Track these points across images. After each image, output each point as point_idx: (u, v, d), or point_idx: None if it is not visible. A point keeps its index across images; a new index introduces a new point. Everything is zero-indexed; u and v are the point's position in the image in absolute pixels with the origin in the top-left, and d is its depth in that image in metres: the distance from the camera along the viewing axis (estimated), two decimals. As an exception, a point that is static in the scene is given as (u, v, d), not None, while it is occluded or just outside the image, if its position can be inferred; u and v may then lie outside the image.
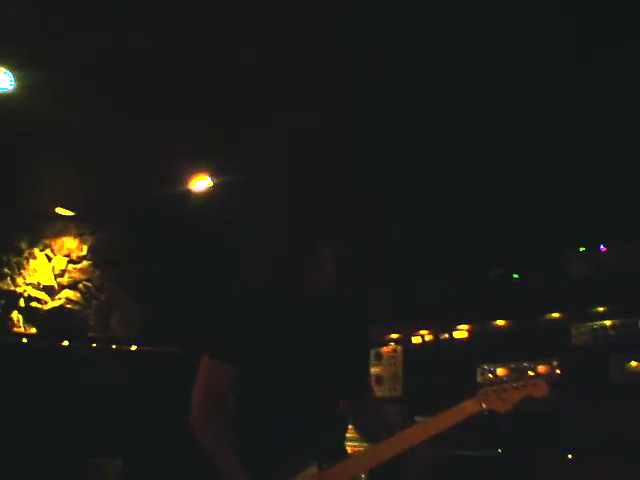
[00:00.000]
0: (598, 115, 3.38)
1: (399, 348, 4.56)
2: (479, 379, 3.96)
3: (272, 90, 3.46)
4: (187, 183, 4.58)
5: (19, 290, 5.25)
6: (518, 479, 3.28)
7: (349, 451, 2.06)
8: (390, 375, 4.52)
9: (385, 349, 4.61)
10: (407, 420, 4.17)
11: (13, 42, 3.13)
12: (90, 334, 5.42)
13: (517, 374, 3.80)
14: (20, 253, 5.32)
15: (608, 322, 3.58)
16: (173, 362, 5.32)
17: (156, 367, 5.31)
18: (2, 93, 3.41)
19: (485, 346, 4.08)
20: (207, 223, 5.06)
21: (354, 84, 3.33)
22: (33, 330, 5.20)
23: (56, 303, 5.37)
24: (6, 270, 5.23)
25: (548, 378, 3.66)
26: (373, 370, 4.37)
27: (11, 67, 3.29)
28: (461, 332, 4.24)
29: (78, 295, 5.49)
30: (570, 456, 3.20)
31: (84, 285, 5.53)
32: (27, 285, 5.29)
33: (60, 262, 5.47)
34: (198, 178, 4.53)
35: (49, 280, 5.40)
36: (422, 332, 4.46)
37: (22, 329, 5.18)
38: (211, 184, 4.54)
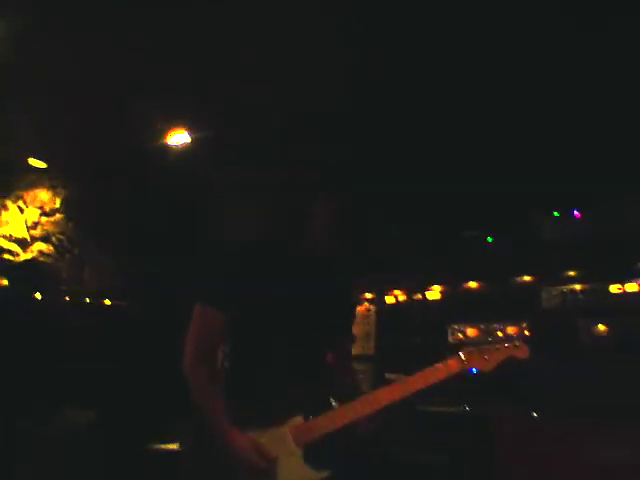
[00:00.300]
0: (568, 77, 3.40)
1: (372, 307, 4.60)
2: (450, 339, 4.03)
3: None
4: (164, 137, 4.52)
5: (-9, 241, 5.18)
6: (482, 435, 3.36)
7: (334, 404, 2.09)
8: (363, 334, 4.57)
9: (359, 308, 4.66)
10: (378, 377, 4.25)
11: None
12: (63, 287, 5.38)
13: (487, 335, 3.87)
14: (-9, 204, 5.23)
15: (578, 286, 3.64)
16: (146, 316, 5.33)
17: (129, 321, 5.30)
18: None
19: (457, 307, 4.14)
20: (185, 175, 5.01)
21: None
22: (5, 282, 5.14)
23: (28, 255, 5.31)
24: (-23, 221, 5.15)
25: (517, 339, 3.74)
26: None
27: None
28: (434, 293, 4.29)
29: (51, 248, 5.42)
30: (535, 414, 3.28)
31: (57, 238, 5.47)
32: (-1, 236, 5.22)
33: (33, 214, 5.39)
34: (175, 132, 4.47)
35: (21, 232, 5.32)
36: (396, 292, 4.50)
37: (-7, 281, 5.12)
38: (189, 139, 4.48)
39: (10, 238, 5.24)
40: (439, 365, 1.91)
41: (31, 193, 5.41)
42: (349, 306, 2.26)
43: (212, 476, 1.94)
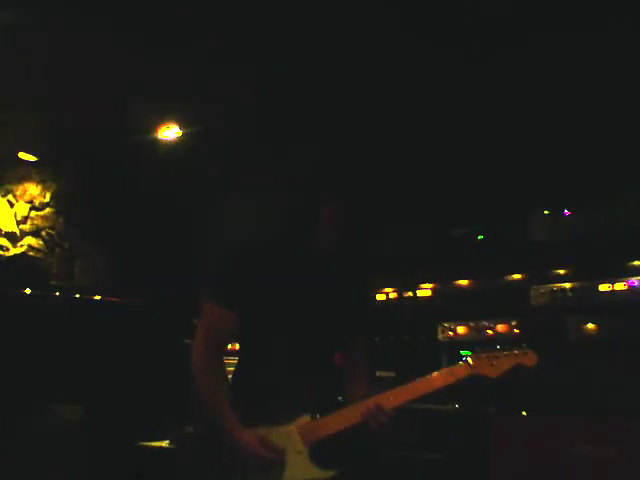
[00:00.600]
0: (563, 74, 3.42)
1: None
2: (440, 336, 4.04)
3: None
4: (155, 131, 4.51)
5: (-20, 236, 5.15)
6: (473, 433, 3.38)
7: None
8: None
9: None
10: (369, 375, 4.25)
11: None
12: (53, 282, 5.36)
13: (476, 332, 3.88)
14: (-20, 198, 5.20)
15: (567, 284, 3.66)
16: (136, 312, 5.32)
17: (119, 317, 5.29)
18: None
19: (447, 305, 4.15)
20: (176, 170, 5.00)
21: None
22: (-6, 277, 5.12)
23: (18, 250, 5.28)
24: (-34, 215, 5.12)
25: (506, 337, 3.76)
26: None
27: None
28: (425, 291, 4.30)
29: (41, 243, 5.40)
30: (524, 412, 3.30)
31: (47, 233, 5.44)
32: (-12, 231, 5.19)
33: (22, 208, 5.36)
34: (167, 126, 4.46)
35: (11, 227, 5.29)
36: (386, 290, 4.50)
37: (-18, 276, 5.09)
38: (180, 133, 4.47)
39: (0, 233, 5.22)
40: (446, 370, 1.94)
41: (21, 187, 5.39)
42: (360, 306, 2.27)
43: (220, 473, 1.95)
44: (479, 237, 4.13)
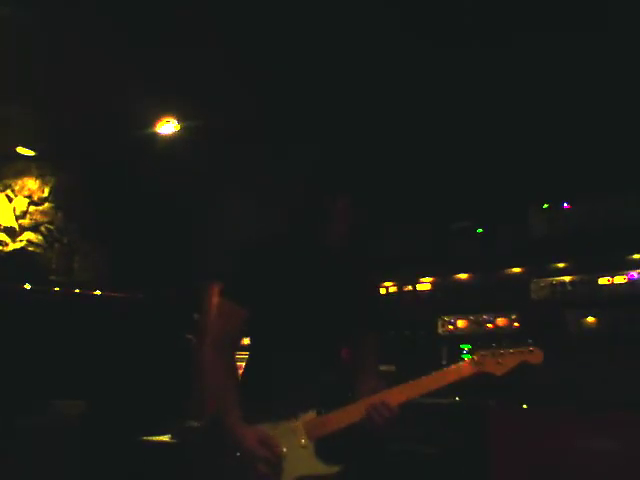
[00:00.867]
0: (561, 70, 3.41)
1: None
2: (440, 330, 4.04)
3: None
4: (153, 126, 4.49)
5: (-22, 231, 5.14)
6: (473, 427, 3.39)
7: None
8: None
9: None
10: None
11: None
12: (52, 278, 5.36)
13: (477, 326, 3.89)
14: (-21, 193, 5.19)
15: (567, 278, 3.66)
16: (135, 307, 5.32)
17: (119, 312, 5.29)
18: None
19: (447, 298, 4.15)
20: (175, 165, 4.99)
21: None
22: (-7, 272, 5.11)
23: (17, 245, 5.27)
24: (-35, 211, 5.11)
25: (506, 331, 3.76)
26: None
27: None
28: (424, 285, 4.30)
29: (40, 238, 5.39)
30: (524, 405, 3.31)
31: (46, 227, 5.43)
32: (-13, 226, 5.18)
33: (21, 203, 5.35)
34: (165, 121, 4.45)
35: (10, 221, 5.28)
36: (386, 284, 4.50)
37: (-18, 271, 5.08)
38: (178, 127, 4.45)
39: (-1, 228, 5.21)
40: (452, 367, 1.94)
41: (19, 182, 5.37)
42: (369, 303, 2.27)
43: (220, 467, 1.96)
44: (479, 231, 4.13)
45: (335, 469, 1.91)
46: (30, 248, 5.31)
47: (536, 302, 3.73)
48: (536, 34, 3.23)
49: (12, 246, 5.24)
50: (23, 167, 5.39)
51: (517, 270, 3.93)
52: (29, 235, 5.34)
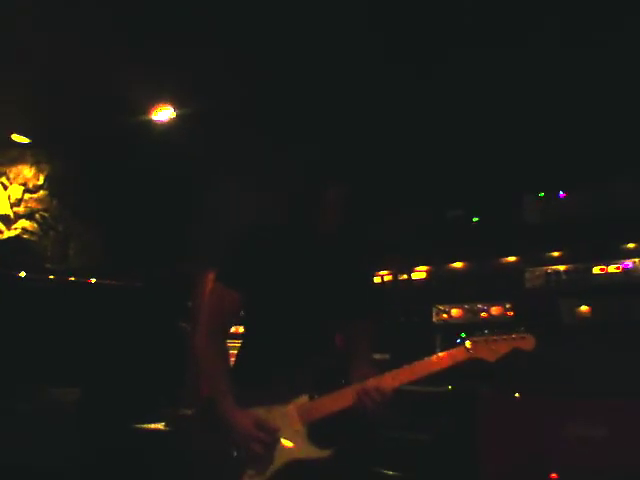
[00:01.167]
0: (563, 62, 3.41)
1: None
2: (434, 319, 4.05)
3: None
4: (149, 112, 4.47)
5: (-26, 218, 5.13)
6: (466, 414, 3.40)
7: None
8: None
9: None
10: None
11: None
12: (47, 265, 5.35)
13: (471, 315, 3.89)
14: (-26, 180, 5.17)
15: (562, 267, 3.66)
16: (131, 295, 5.32)
17: (114, 300, 5.29)
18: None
19: (442, 287, 4.15)
20: (171, 152, 4.97)
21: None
22: (-12, 259, 5.11)
23: (12, 233, 5.26)
24: (-40, 198, 5.10)
25: (501, 319, 3.77)
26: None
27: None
28: (419, 273, 4.30)
29: (35, 225, 5.38)
30: (516, 394, 3.32)
31: (41, 215, 5.42)
32: (-18, 214, 5.17)
33: (16, 191, 5.34)
34: (161, 108, 4.43)
35: (5, 209, 5.27)
36: (381, 273, 4.50)
37: (-23, 258, 5.07)
38: (174, 114, 4.44)
39: (-7, 215, 5.20)
40: (445, 353, 1.95)
41: (14, 169, 5.35)
42: (362, 289, 2.27)
43: (214, 454, 1.98)
44: (474, 219, 4.13)
45: (327, 453, 1.93)
46: (25, 236, 5.30)
47: (530, 291, 3.73)
48: (534, 29, 3.22)
49: (7, 234, 5.23)
50: (18, 155, 5.37)
51: (512, 259, 3.92)
52: (24, 223, 5.33)
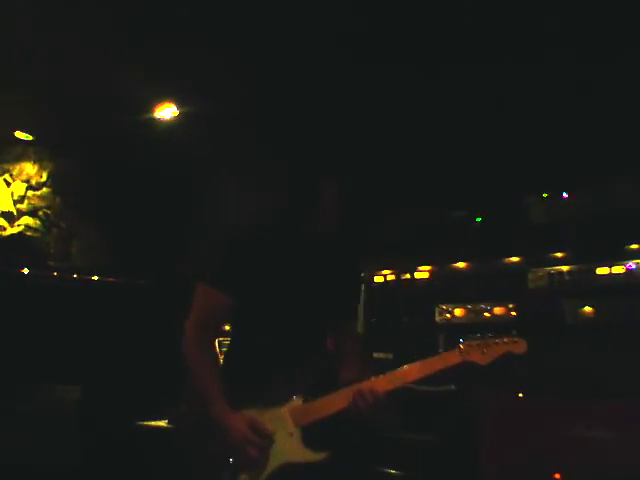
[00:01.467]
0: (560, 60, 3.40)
1: (361, 287, 4.61)
2: (437, 319, 4.04)
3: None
4: (152, 111, 4.47)
5: (-24, 215, 5.13)
6: (470, 415, 3.40)
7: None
8: (351, 312, 4.59)
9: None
10: (366, 356, 4.27)
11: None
12: (50, 262, 5.35)
13: (474, 315, 3.89)
14: (-23, 177, 5.18)
15: (565, 268, 3.66)
16: (133, 293, 5.31)
17: (116, 297, 5.29)
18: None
19: (445, 287, 4.15)
20: (173, 150, 4.97)
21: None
22: (-9, 256, 5.11)
23: (15, 230, 5.27)
24: (-37, 195, 5.10)
25: (504, 320, 3.76)
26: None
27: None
28: (422, 273, 4.30)
29: (38, 222, 5.38)
30: (520, 394, 3.31)
31: (44, 212, 5.42)
32: (-15, 211, 5.17)
33: (19, 188, 5.34)
34: (164, 106, 4.42)
35: (8, 206, 5.27)
36: (384, 272, 4.50)
37: (-21, 255, 5.08)
38: (176, 113, 4.43)
39: (-4, 212, 5.20)
40: (437, 357, 1.95)
41: (17, 166, 5.35)
42: (354, 290, 2.27)
43: (208, 458, 1.95)
44: (477, 220, 4.12)
45: (322, 456, 1.91)
46: (28, 233, 5.31)
47: (534, 291, 3.73)
48: (536, 31, 3.21)
49: (10, 231, 5.23)
50: (21, 152, 5.37)
51: (515, 259, 3.92)
52: (27, 220, 5.33)
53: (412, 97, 3.93)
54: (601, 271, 3.53)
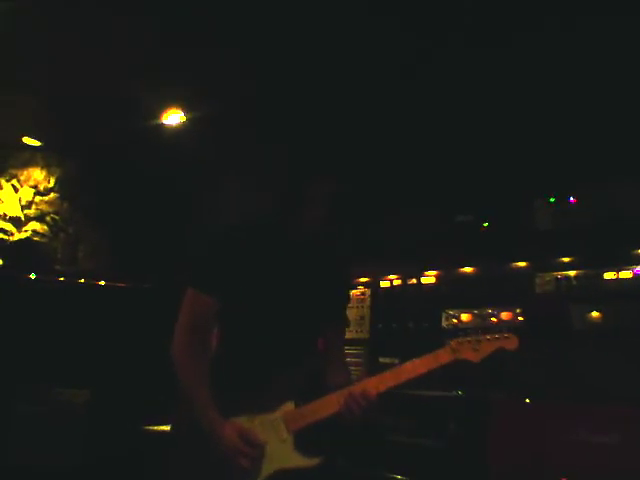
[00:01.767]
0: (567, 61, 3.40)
1: (367, 291, 4.61)
2: (444, 324, 4.03)
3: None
4: (159, 117, 4.49)
5: (-15, 221, 5.16)
6: (477, 421, 3.38)
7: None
8: (357, 317, 4.58)
9: (353, 292, 4.66)
10: (373, 361, 4.26)
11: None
12: (57, 267, 5.37)
13: (480, 320, 3.87)
14: (-15, 183, 5.21)
15: (572, 272, 3.64)
16: (140, 297, 5.32)
17: (123, 302, 5.30)
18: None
19: (451, 292, 4.14)
20: (180, 155, 4.98)
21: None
22: (-1, 261, 5.13)
23: (22, 235, 5.29)
24: (-29, 200, 5.13)
25: (511, 325, 3.75)
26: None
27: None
28: (429, 278, 4.29)
29: (45, 227, 5.41)
30: (527, 399, 3.30)
31: (51, 217, 5.45)
32: (-7, 216, 5.20)
33: (27, 193, 5.37)
34: (170, 112, 4.44)
35: (16, 211, 5.30)
36: (391, 277, 4.50)
37: (-13, 260, 5.10)
38: (184, 118, 4.45)
39: (4, 217, 5.22)
40: (429, 355, 1.92)
41: (25, 172, 5.38)
42: (342, 292, 2.25)
43: (199, 465, 1.92)
44: (484, 224, 4.11)
45: (315, 461, 1.89)
46: (35, 238, 5.33)
47: (541, 296, 3.71)
48: (539, 27, 3.20)
49: (17, 236, 5.26)
50: (29, 157, 5.41)
51: (522, 264, 3.90)
52: (35, 225, 5.35)
53: (419, 101, 3.93)
54: (609, 276, 3.51)
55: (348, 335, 4.58)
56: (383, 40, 3.37)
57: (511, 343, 1.94)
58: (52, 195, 5.48)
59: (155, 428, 4.32)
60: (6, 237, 5.19)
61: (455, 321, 3.97)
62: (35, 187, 5.40)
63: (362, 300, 4.59)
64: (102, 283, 5.37)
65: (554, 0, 3.00)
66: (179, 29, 3.45)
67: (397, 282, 4.43)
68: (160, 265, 5.43)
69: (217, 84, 3.99)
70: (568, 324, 3.53)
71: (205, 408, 1.89)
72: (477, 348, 1.92)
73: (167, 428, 4.27)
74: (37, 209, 5.39)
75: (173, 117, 4.48)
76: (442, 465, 3.39)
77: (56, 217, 5.47)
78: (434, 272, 4.28)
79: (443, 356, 1.92)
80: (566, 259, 3.73)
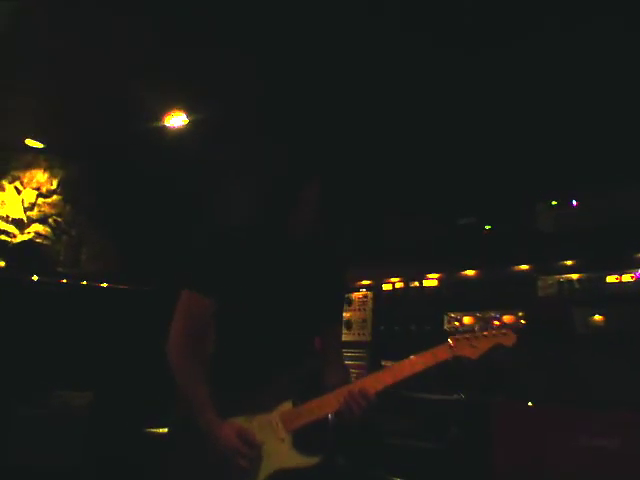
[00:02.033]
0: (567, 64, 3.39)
1: (369, 294, 4.61)
2: (446, 326, 4.03)
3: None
4: (162, 119, 4.49)
5: (-13, 222, 5.16)
6: (478, 424, 3.38)
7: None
8: (360, 320, 4.58)
9: (355, 295, 4.67)
10: (375, 364, 4.26)
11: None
12: (60, 269, 5.38)
13: (483, 323, 3.87)
14: (-12, 185, 5.21)
15: (575, 276, 3.64)
16: (143, 299, 5.33)
17: (126, 304, 5.30)
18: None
19: (454, 295, 4.14)
20: (182, 157, 4.98)
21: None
22: (1, 263, 5.13)
23: (25, 237, 5.29)
24: (-26, 202, 5.13)
25: (513, 328, 3.74)
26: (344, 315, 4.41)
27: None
28: (431, 281, 4.29)
29: (48, 230, 5.41)
30: (529, 403, 3.29)
31: (54, 220, 5.45)
32: (-4, 217, 5.20)
33: (30, 195, 5.37)
34: (173, 114, 4.44)
35: (18, 213, 5.30)
36: (393, 280, 4.50)
37: (-10, 262, 5.11)
38: (186, 121, 4.45)
39: (7, 219, 5.22)
40: (426, 353, 1.91)
41: (28, 174, 5.39)
42: (338, 292, 2.25)
43: (197, 465, 1.91)
44: (486, 227, 4.11)
45: (313, 460, 1.88)
46: (38, 240, 5.33)
47: (543, 299, 3.71)
48: (540, 29, 3.20)
49: (20, 238, 5.26)
50: (32, 159, 5.41)
51: (524, 267, 3.91)
52: (37, 227, 5.36)
53: (422, 104, 3.92)
54: (611, 279, 3.51)
55: (350, 337, 4.62)
56: (385, 41, 3.36)
57: (509, 339, 1.93)
58: (55, 197, 5.48)
59: (156, 431, 4.32)
60: (9, 239, 5.19)
61: (457, 324, 3.98)
62: (38, 189, 5.41)
63: (364, 303, 4.60)
64: (104, 285, 5.38)
65: (554, 0, 2.99)
66: (179, 29, 3.44)
67: (399, 285, 4.44)
68: (163, 268, 5.44)
69: (217, 84, 3.98)
70: (570, 327, 3.53)
71: (203, 409, 1.88)
72: (475, 345, 1.91)
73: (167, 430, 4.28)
74: (40, 211, 5.40)
75: (176, 119, 4.48)
76: (445, 468, 3.38)
77: (59, 219, 5.47)
78: (436, 275, 4.28)
79: (441, 353, 1.91)
80: (568, 262, 3.73)
